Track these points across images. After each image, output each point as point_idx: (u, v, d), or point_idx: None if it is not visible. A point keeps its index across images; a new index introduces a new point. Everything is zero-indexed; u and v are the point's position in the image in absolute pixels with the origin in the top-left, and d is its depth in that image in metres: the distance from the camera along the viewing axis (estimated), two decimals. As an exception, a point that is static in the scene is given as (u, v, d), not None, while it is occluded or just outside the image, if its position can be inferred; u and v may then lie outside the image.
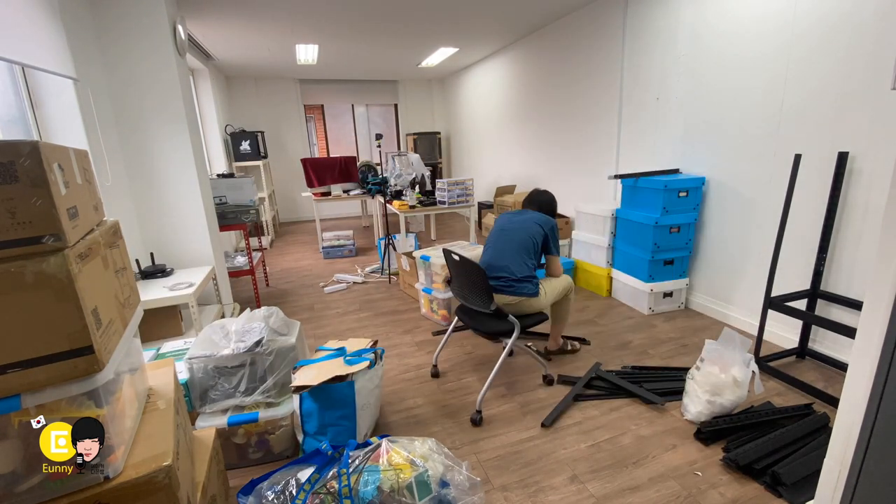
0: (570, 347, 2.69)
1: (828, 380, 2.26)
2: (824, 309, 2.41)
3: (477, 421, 2.04)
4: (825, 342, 2.44)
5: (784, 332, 2.60)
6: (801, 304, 2.41)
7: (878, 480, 1.07)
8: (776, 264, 2.33)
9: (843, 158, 2.21)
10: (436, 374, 2.50)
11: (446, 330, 2.67)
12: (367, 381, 1.87)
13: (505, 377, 2.44)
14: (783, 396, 2.16)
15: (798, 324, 2.50)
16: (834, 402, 2.00)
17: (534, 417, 2.08)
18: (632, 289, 3.29)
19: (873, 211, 2.15)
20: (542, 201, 2.53)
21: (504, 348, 2.21)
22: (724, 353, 1.96)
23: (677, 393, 2.16)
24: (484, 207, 5.97)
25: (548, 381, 2.36)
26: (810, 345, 2.48)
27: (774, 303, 2.31)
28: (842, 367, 2.30)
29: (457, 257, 2.17)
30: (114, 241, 1.23)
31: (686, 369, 2.31)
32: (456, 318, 2.38)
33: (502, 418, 2.09)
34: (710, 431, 1.87)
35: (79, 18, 2.36)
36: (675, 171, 3.20)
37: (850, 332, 1.96)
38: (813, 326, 2.45)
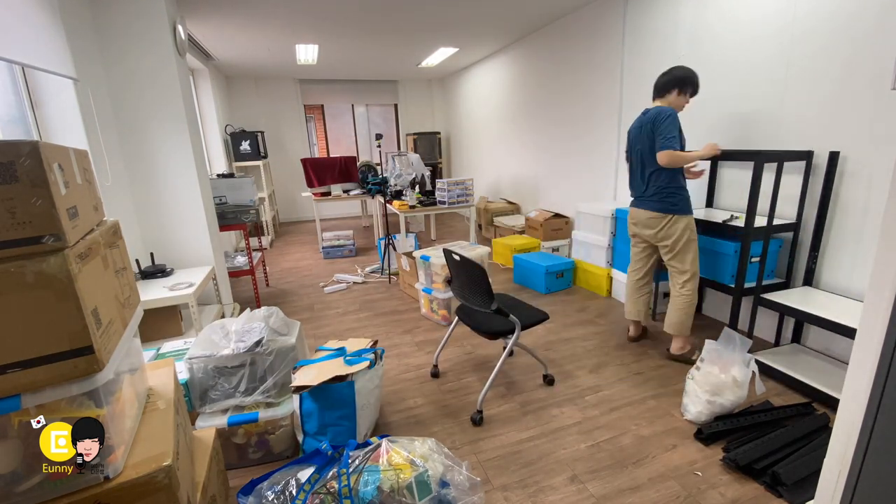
0: (695, 357, 2.40)
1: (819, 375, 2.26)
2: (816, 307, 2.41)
3: (477, 421, 2.04)
4: (818, 339, 2.44)
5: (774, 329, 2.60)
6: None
7: (879, 480, 1.07)
8: (765, 261, 2.37)
9: (833, 158, 2.24)
10: (436, 375, 2.49)
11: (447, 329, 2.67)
12: (367, 381, 1.87)
13: (504, 377, 2.44)
14: (782, 396, 2.16)
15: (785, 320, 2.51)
16: (825, 397, 2.01)
17: (534, 417, 2.08)
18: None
19: (874, 211, 2.15)
20: (670, 78, 2.40)
21: (504, 348, 2.20)
22: (723, 353, 1.96)
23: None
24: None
25: (548, 380, 2.36)
26: (802, 342, 2.50)
27: (765, 300, 2.33)
28: (832, 362, 2.32)
29: (457, 257, 2.16)
30: (114, 241, 1.23)
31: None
32: (456, 318, 2.37)
33: (502, 418, 2.09)
34: (711, 432, 1.88)
35: (79, 18, 2.36)
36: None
37: (839, 328, 1.99)
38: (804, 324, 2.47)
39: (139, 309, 1.34)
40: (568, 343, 2.80)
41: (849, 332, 1.93)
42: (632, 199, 2.59)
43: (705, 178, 2.99)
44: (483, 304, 2.09)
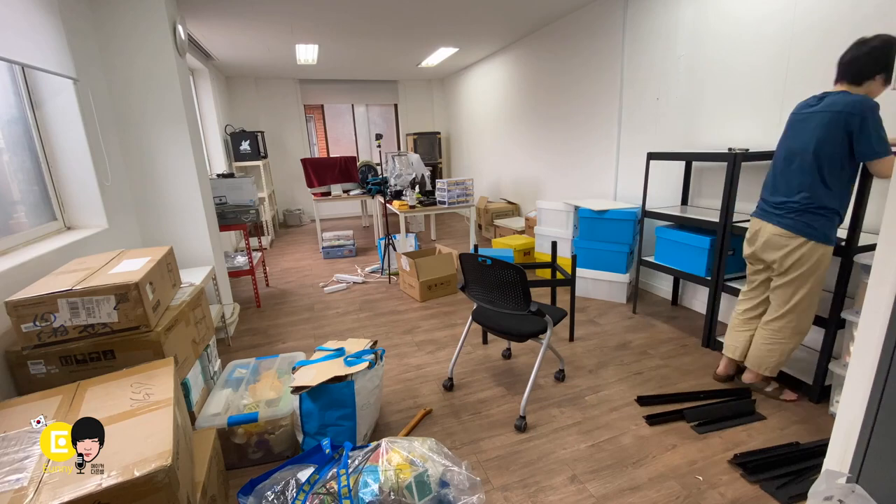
0: (774, 391, 2.14)
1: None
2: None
3: (522, 427, 1.99)
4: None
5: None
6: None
7: (878, 481, 1.07)
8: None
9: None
10: (450, 388, 2.35)
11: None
12: (367, 381, 1.87)
13: (505, 377, 2.44)
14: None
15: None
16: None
17: (534, 417, 2.08)
18: (607, 283, 3.47)
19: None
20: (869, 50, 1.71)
21: (542, 345, 2.08)
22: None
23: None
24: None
25: (559, 376, 2.37)
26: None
27: (726, 286, 2.50)
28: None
29: (488, 261, 2.00)
30: (197, 302, 2.01)
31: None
32: (468, 325, 2.33)
33: (502, 418, 2.09)
34: (754, 464, 1.73)
35: (79, 18, 2.36)
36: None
37: None
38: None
39: (211, 336, 2.12)
40: (568, 343, 2.80)
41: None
42: (760, 207, 2.06)
43: (679, 175, 3.13)
44: (518, 307, 1.99)
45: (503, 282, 1.99)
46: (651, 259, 3.03)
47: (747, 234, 2.10)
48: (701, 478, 1.69)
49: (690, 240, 2.69)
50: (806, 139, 1.84)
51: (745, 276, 2.28)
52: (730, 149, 2.46)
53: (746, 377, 2.20)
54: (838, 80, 1.82)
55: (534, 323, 2.10)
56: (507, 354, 2.67)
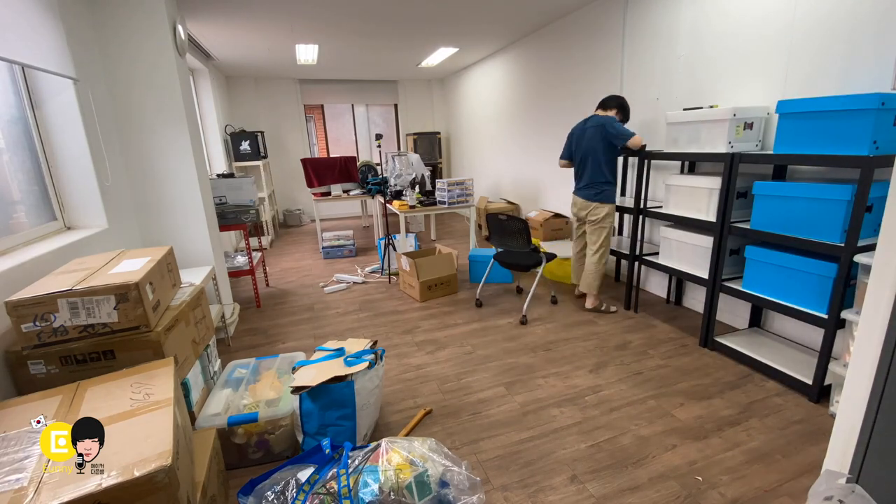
0: (604, 308, 3.24)
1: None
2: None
3: (525, 322, 2.99)
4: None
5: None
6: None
7: (878, 481, 1.07)
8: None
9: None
10: (479, 304, 3.44)
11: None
12: (367, 381, 1.87)
13: (505, 377, 2.44)
14: (782, 396, 2.16)
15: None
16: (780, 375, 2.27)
17: (534, 417, 2.08)
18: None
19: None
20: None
21: (538, 273, 3.26)
22: None
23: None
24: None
25: (553, 301, 3.38)
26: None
27: (725, 287, 2.51)
28: (787, 343, 2.42)
29: (504, 217, 3.21)
30: (197, 302, 2.01)
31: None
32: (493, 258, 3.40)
33: (502, 418, 2.09)
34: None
35: (79, 18, 2.36)
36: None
37: (789, 311, 2.14)
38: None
39: (211, 336, 2.12)
40: (568, 343, 2.81)
41: (798, 315, 2.13)
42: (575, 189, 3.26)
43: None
44: (523, 245, 3.16)
45: (514, 230, 3.15)
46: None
47: (571, 206, 3.31)
48: (701, 478, 1.69)
49: (805, 265, 2.06)
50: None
51: (740, 277, 2.43)
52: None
53: (588, 304, 3.26)
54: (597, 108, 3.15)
55: (533, 258, 3.17)
56: (519, 290, 3.77)
